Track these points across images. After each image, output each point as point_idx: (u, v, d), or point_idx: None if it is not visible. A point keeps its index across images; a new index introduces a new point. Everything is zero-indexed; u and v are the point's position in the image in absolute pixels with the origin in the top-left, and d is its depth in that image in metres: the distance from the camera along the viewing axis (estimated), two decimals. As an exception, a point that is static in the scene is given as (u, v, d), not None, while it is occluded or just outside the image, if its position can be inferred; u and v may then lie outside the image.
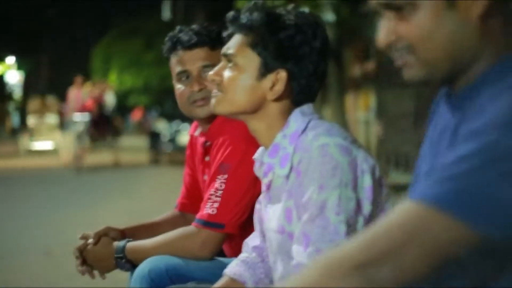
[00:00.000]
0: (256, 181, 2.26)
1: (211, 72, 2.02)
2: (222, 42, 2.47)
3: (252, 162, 2.08)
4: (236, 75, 1.94)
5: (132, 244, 2.43)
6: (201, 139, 2.59)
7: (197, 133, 2.59)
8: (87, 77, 20.81)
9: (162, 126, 16.90)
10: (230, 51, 1.96)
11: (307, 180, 1.79)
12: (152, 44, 38.39)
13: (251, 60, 1.93)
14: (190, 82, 2.50)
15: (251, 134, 2.08)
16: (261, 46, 1.92)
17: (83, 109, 16.01)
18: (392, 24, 1.26)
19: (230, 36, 2.00)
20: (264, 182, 2.01)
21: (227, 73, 1.96)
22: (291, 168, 1.88)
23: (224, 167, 2.35)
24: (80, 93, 16.33)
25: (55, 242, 6.49)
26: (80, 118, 15.58)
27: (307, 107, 1.95)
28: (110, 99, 18.32)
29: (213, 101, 2.00)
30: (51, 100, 23.16)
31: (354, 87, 15.15)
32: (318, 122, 1.90)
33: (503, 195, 1.00)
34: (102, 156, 17.63)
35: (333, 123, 1.92)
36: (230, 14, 1.99)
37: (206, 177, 2.51)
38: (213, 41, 2.50)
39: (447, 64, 1.24)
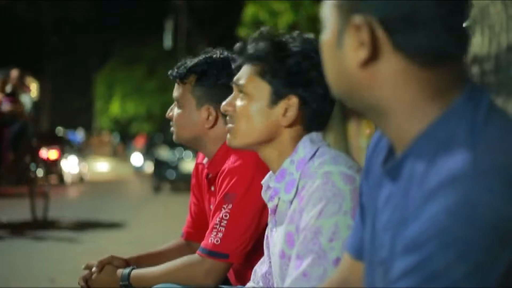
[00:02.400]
0: (263, 210, 2.28)
1: (224, 103, 2.06)
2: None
3: (258, 192, 2.11)
4: (247, 104, 1.97)
5: (137, 272, 2.44)
6: (206, 170, 2.61)
7: (205, 161, 2.63)
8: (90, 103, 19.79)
9: (165, 154, 16.82)
10: (241, 82, 1.99)
11: (308, 206, 1.80)
12: (154, 72, 38.54)
13: (262, 89, 1.96)
14: None
15: (257, 163, 2.11)
16: (270, 75, 1.95)
17: None
18: None
19: (239, 67, 2.03)
20: (270, 206, 2.03)
21: (238, 103, 2.00)
22: (295, 194, 1.89)
23: (229, 196, 2.35)
24: None
25: (59, 270, 6.49)
26: None
27: (316, 135, 1.98)
28: (26, 103, 10.25)
29: (228, 136, 2.03)
30: None
31: (356, 114, 15.18)
32: (326, 150, 1.92)
33: None
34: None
35: (340, 152, 1.94)
36: (237, 46, 2.03)
37: (212, 207, 2.51)
38: None
39: (340, 91, 1.25)
